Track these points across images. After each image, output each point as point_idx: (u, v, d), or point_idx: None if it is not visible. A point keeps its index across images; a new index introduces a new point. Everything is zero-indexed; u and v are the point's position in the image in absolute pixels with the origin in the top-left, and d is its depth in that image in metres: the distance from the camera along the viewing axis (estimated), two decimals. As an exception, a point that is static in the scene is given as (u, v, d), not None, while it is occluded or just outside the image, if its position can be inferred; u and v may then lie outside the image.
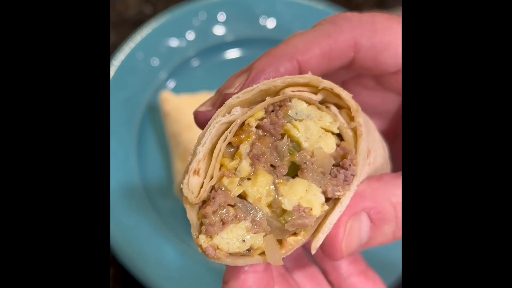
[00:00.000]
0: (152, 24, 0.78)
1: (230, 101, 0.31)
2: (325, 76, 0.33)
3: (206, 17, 0.79)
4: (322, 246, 0.31)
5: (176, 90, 0.76)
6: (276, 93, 0.31)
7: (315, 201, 0.30)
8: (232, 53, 0.81)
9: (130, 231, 0.68)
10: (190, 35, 0.79)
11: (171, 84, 0.78)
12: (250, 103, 0.31)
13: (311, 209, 0.30)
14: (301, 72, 0.34)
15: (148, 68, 0.77)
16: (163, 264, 0.67)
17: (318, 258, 0.42)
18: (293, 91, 0.31)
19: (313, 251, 0.30)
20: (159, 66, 0.77)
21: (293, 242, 0.30)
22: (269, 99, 0.31)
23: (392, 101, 0.42)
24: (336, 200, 0.30)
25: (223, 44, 0.80)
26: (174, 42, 0.78)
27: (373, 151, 0.33)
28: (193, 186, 0.30)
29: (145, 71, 0.76)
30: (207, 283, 0.67)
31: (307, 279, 0.41)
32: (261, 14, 0.80)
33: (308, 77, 0.31)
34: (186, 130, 0.67)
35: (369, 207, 0.33)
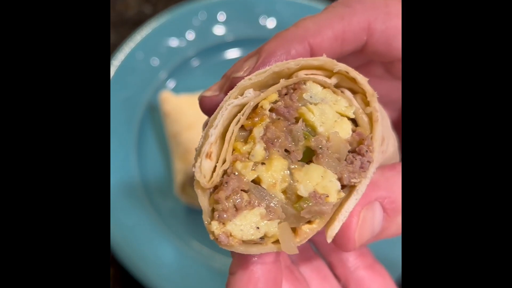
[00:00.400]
0: (152, 24, 0.78)
1: (242, 83, 0.29)
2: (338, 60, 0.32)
3: (206, 17, 0.79)
4: (333, 237, 0.30)
5: (176, 90, 0.76)
6: (289, 76, 0.30)
7: (331, 188, 0.29)
8: (232, 53, 0.81)
9: (130, 231, 0.68)
10: (190, 35, 0.79)
11: (171, 84, 0.78)
12: (262, 86, 0.30)
13: (328, 196, 0.28)
14: (312, 55, 0.32)
15: (148, 68, 0.77)
16: (162, 264, 0.67)
17: (325, 251, 0.41)
18: (307, 74, 0.29)
19: (329, 240, 0.30)
20: (159, 66, 0.77)
21: (308, 230, 0.29)
22: (283, 81, 0.29)
23: (400, 90, 0.42)
24: (352, 187, 0.29)
25: (223, 44, 0.80)
26: (174, 42, 0.78)
27: (386, 138, 0.32)
28: (205, 169, 0.28)
29: (145, 71, 0.76)
30: (207, 283, 0.67)
31: (313, 272, 0.40)
32: (261, 14, 0.80)
33: (323, 59, 0.30)
34: (186, 130, 0.67)
35: (383, 196, 0.32)
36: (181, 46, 0.78)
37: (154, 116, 0.76)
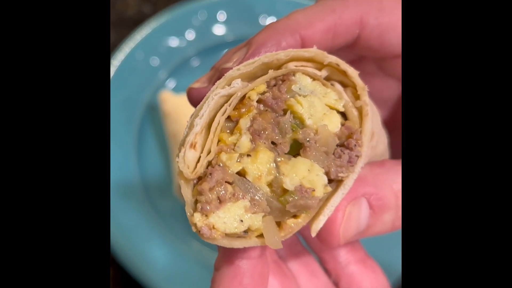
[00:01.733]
0: (152, 23, 0.78)
1: (230, 73, 0.29)
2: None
3: (206, 17, 0.79)
4: (318, 232, 0.29)
5: (176, 90, 0.76)
6: (279, 67, 0.29)
7: (318, 182, 0.28)
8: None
9: (130, 231, 0.68)
10: (190, 35, 0.78)
11: (171, 84, 0.78)
12: (251, 77, 0.29)
13: (314, 190, 0.28)
14: (303, 47, 0.32)
15: (148, 68, 0.77)
16: (162, 264, 0.67)
17: (315, 246, 0.40)
18: (296, 66, 0.29)
19: (313, 234, 0.29)
20: (159, 66, 0.77)
21: (293, 225, 0.28)
22: (271, 72, 0.29)
23: (392, 88, 0.40)
24: (339, 182, 0.29)
25: (223, 44, 0.80)
26: (174, 42, 0.78)
27: (376, 135, 0.32)
28: (189, 160, 0.27)
29: (145, 71, 0.76)
30: (207, 283, 0.67)
31: (302, 267, 0.39)
32: (261, 13, 0.80)
33: (314, 51, 0.29)
34: (186, 130, 0.67)
35: (369, 193, 0.31)
36: (181, 46, 0.78)
37: (154, 116, 0.76)
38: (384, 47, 0.34)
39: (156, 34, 0.78)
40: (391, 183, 0.32)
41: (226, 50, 0.82)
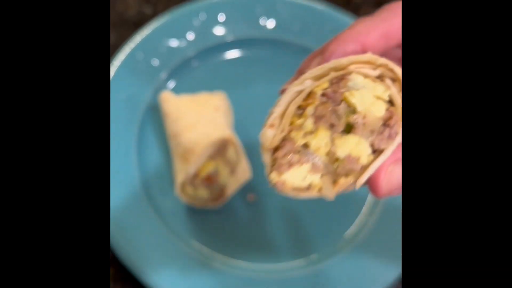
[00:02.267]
0: (152, 24, 0.78)
1: (304, 76, 0.39)
2: (384, 53, 0.41)
3: (206, 18, 0.79)
4: (369, 184, 0.39)
5: (176, 90, 0.76)
6: (343, 69, 0.38)
7: (363, 152, 0.37)
8: (232, 53, 0.81)
9: (130, 231, 0.69)
10: (190, 36, 0.79)
11: (171, 84, 0.79)
12: (318, 78, 0.39)
13: (359, 158, 0.37)
14: (364, 51, 0.41)
15: (148, 68, 0.77)
16: (162, 263, 0.68)
17: None
18: (356, 67, 0.38)
19: (357, 187, 0.38)
20: (159, 66, 0.77)
21: (344, 183, 0.38)
22: (333, 73, 0.38)
23: None
24: (381, 151, 0.37)
25: (223, 44, 0.80)
26: (174, 43, 0.78)
27: None
28: (268, 136, 0.38)
29: (145, 71, 0.77)
30: (207, 282, 0.68)
31: None
32: (261, 15, 0.81)
33: (368, 56, 0.38)
34: (187, 130, 0.67)
35: None
36: (181, 47, 0.79)
37: (154, 116, 0.76)
38: None
39: (156, 35, 0.78)
40: None
41: (226, 50, 0.83)
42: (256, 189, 0.73)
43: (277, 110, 0.39)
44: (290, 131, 0.38)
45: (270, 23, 0.80)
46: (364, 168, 0.37)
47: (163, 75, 0.77)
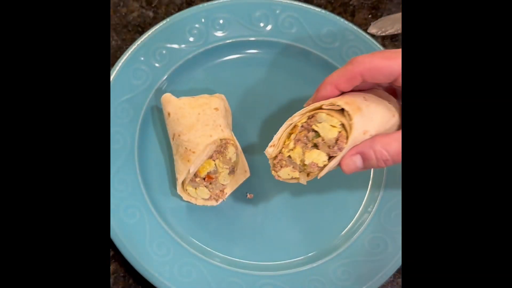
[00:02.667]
0: (153, 27, 0.79)
1: (294, 114, 0.59)
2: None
3: (206, 22, 0.79)
4: (340, 167, 0.58)
5: (177, 92, 0.76)
6: (320, 107, 0.58)
7: (320, 160, 0.57)
8: (232, 56, 0.82)
9: (132, 229, 0.70)
10: (191, 38, 0.79)
11: (172, 86, 0.79)
12: (305, 113, 0.59)
13: (317, 163, 0.57)
14: (339, 91, 0.60)
15: (149, 71, 0.77)
16: (163, 261, 0.69)
17: None
18: (325, 106, 0.58)
19: (319, 178, 0.58)
20: (160, 69, 0.78)
21: (311, 175, 0.59)
22: (307, 113, 0.58)
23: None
24: (333, 157, 0.57)
25: (223, 47, 0.80)
26: (175, 45, 0.79)
27: (370, 129, 0.57)
28: (270, 151, 0.59)
29: (146, 74, 0.77)
30: (207, 281, 0.69)
31: None
32: (260, 18, 0.81)
33: (330, 100, 0.57)
34: (187, 131, 0.68)
35: (360, 151, 0.56)
36: (182, 49, 0.79)
37: (155, 117, 0.77)
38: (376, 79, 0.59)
39: (157, 38, 0.78)
40: (373, 147, 0.56)
41: (226, 52, 0.83)
42: (255, 188, 0.74)
43: (276, 137, 0.59)
44: (282, 148, 0.59)
45: (269, 26, 0.81)
46: (321, 168, 0.57)
47: (164, 77, 0.78)
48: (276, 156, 0.59)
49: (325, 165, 0.57)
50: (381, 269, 0.69)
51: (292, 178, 0.60)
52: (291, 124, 0.59)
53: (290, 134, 0.59)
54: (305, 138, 0.57)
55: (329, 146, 0.56)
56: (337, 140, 0.56)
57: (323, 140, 0.56)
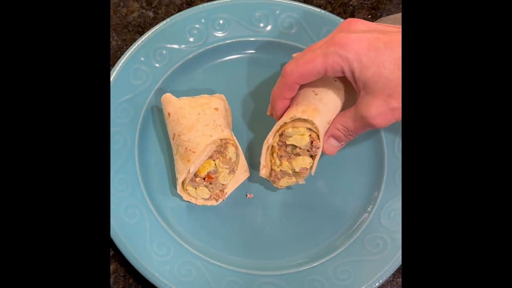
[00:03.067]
0: (153, 28, 0.79)
1: (267, 137, 0.67)
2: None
3: (206, 22, 0.80)
4: (323, 152, 0.65)
5: (177, 92, 0.76)
6: (285, 125, 0.65)
7: (307, 163, 0.64)
8: (232, 56, 0.82)
9: (132, 229, 0.70)
10: (191, 39, 0.80)
11: (172, 86, 0.79)
12: (275, 133, 0.66)
13: (306, 167, 0.65)
14: (288, 99, 0.66)
15: (149, 71, 0.77)
16: (164, 261, 0.69)
17: None
18: (287, 122, 0.64)
19: (313, 174, 0.66)
20: (160, 69, 0.78)
21: (303, 176, 0.66)
22: (277, 133, 0.66)
23: None
24: (315, 155, 0.64)
25: (223, 47, 0.81)
26: (175, 46, 0.79)
27: (330, 118, 0.64)
28: (263, 172, 0.68)
29: (147, 74, 0.77)
30: (207, 280, 0.69)
31: None
32: (260, 18, 0.81)
33: (289, 115, 0.64)
34: (187, 131, 0.68)
35: (331, 134, 0.64)
36: (182, 49, 0.79)
37: (155, 117, 0.77)
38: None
39: (158, 38, 0.78)
40: (336, 126, 0.64)
41: (226, 52, 0.84)
42: (255, 188, 0.74)
43: (262, 159, 0.67)
44: (271, 165, 0.67)
45: (269, 26, 0.81)
46: (309, 168, 0.65)
47: (164, 77, 0.78)
48: (270, 174, 0.68)
49: (311, 164, 0.65)
50: (381, 269, 0.69)
51: (289, 182, 0.68)
52: (268, 146, 0.66)
53: (272, 153, 0.66)
54: (285, 152, 0.65)
55: (308, 150, 0.64)
56: (311, 142, 0.63)
57: (300, 148, 0.64)
